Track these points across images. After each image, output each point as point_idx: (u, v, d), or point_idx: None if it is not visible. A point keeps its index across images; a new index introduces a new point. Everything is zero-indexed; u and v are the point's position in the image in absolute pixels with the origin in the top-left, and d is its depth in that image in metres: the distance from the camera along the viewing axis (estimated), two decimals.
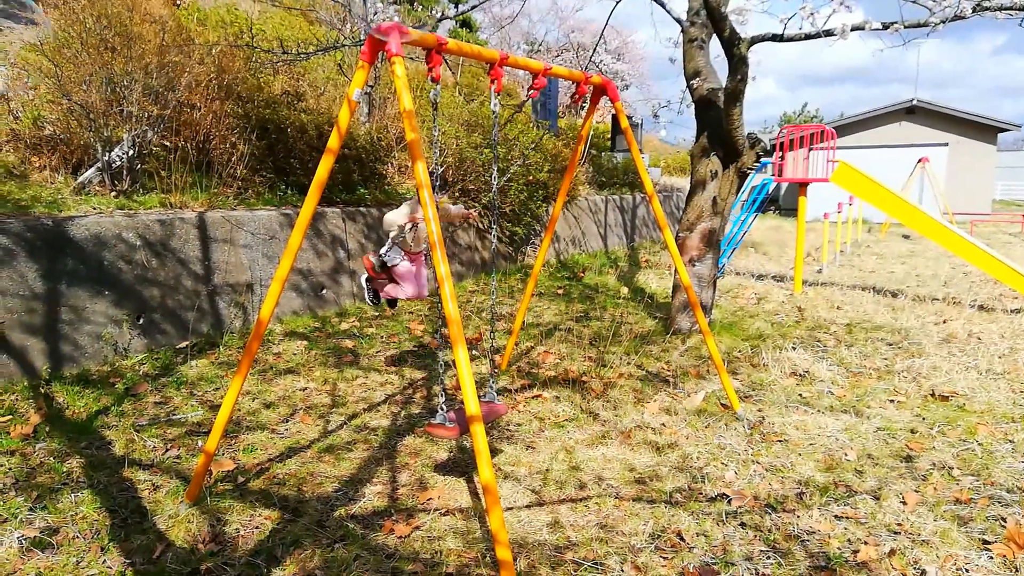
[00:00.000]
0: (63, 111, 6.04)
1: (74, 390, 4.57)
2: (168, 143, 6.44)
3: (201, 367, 5.27)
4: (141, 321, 5.34)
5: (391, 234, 4.46)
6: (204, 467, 3.43)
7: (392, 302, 4.86)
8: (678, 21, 7.13)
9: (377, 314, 7.19)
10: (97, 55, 5.87)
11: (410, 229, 4.41)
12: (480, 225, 9.69)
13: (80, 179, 5.88)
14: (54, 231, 4.88)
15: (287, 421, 4.56)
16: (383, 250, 4.51)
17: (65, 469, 3.68)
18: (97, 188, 5.93)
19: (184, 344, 5.50)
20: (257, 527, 3.27)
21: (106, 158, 5.91)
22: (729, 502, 3.57)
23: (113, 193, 5.92)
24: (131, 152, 6.04)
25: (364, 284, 4.75)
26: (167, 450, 4.01)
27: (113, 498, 3.45)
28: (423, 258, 4.71)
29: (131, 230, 5.37)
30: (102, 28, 6.02)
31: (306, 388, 5.14)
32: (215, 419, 3.42)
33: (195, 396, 4.82)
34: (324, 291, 7.08)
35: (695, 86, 6.91)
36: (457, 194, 9.41)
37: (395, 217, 4.32)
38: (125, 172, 6.03)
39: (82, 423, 4.22)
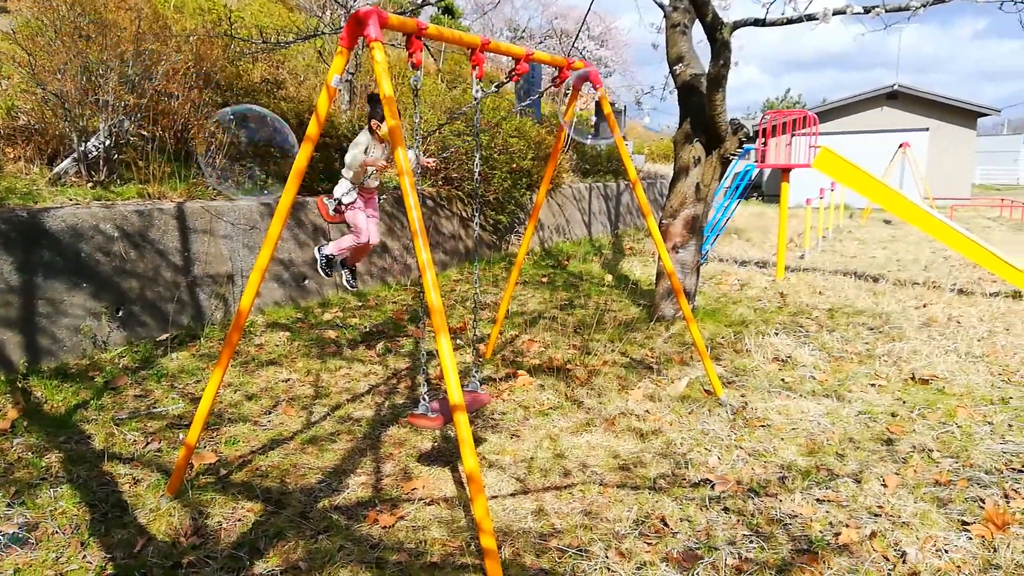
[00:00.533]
0: (37, 101, 5.93)
1: (52, 384, 4.51)
2: (145, 132, 6.34)
3: (182, 359, 5.22)
4: (120, 313, 5.27)
5: (350, 165, 4.35)
6: (185, 460, 3.40)
7: (352, 271, 4.78)
8: (661, 6, 7.11)
9: (360, 303, 7.15)
10: (72, 43, 5.76)
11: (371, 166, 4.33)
12: (463, 213, 9.65)
13: (56, 170, 5.78)
14: (29, 223, 4.80)
15: (269, 413, 4.53)
16: (338, 188, 4.43)
17: (44, 464, 3.64)
18: (73, 179, 5.84)
19: (164, 336, 5.45)
20: (240, 520, 3.25)
21: (82, 148, 5.81)
22: (712, 487, 3.59)
23: (90, 184, 5.82)
24: (108, 142, 5.94)
25: (318, 254, 4.65)
26: (148, 443, 3.97)
27: (93, 493, 3.42)
28: (375, 199, 4.65)
29: (108, 221, 5.29)
30: (76, 16, 5.90)
31: (288, 379, 5.11)
32: (196, 411, 3.39)
33: (176, 389, 4.77)
34: (306, 281, 7.02)
35: (678, 72, 6.89)
36: (440, 182, 9.36)
37: (363, 141, 4.25)
38: (102, 162, 5.93)
39: (61, 417, 4.16)
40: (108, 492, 3.43)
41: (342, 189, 4.42)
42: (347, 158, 4.33)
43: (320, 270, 4.62)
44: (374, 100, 4.20)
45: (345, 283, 4.78)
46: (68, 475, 3.55)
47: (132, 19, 6.39)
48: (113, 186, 5.94)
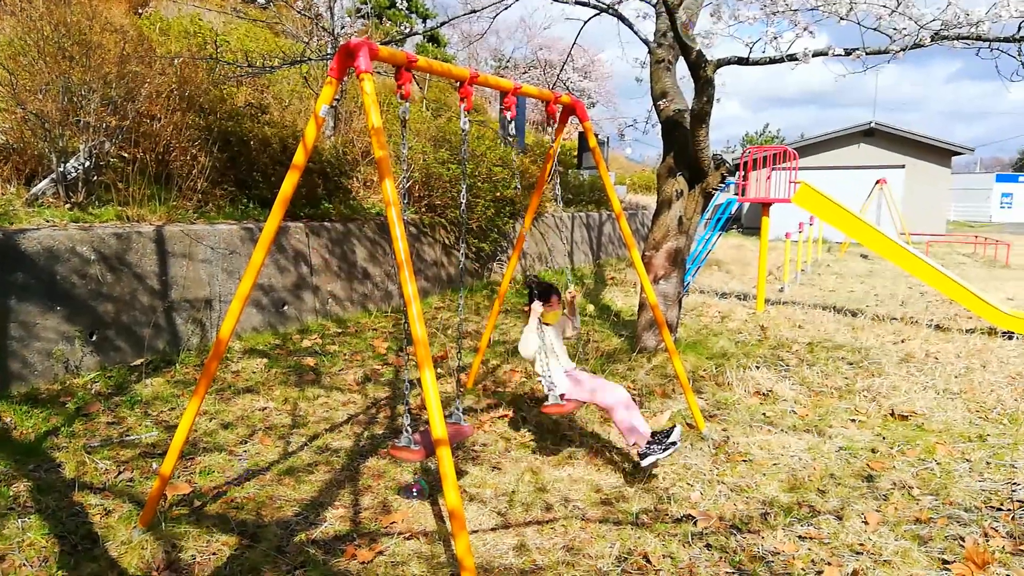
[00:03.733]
0: (17, 120, 5.87)
1: (22, 409, 4.39)
2: (126, 154, 6.29)
3: (156, 386, 5.12)
4: (94, 338, 5.17)
5: (538, 359, 4.05)
6: (159, 491, 3.31)
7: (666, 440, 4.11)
8: (646, 42, 7.21)
9: (340, 331, 7.09)
10: (55, 64, 5.72)
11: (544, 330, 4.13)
12: (446, 240, 9.64)
13: (33, 190, 5.70)
14: (4, 244, 4.71)
15: (246, 442, 4.44)
16: (546, 380, 4.13)
17: (11, 493, 3.53)
18: (51, 200, 5.76)
19: (139, 361, 5.35)
20: (214, 553, 3.17)
21: (61, 169, 5.74)
22: (695, 523, 3.56)
23: (68, 205, 5.75)
24: (87, 163, 5.88)
25: (645, 463, 3.90)
26: (120, 473, 3.87)
27: (63, 523, 3.31)
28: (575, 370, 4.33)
29: (86, 244, 5.21)
30: (60, 36, 5.87)
31: (266, 408, 5.03)
32: (171, 440, 3.31)
33: (150, 416, 4.67)
34: (286, 307, 6.95)
35: (662, 107, 6.98)
36: (424, 209, 9.36)
37: (530, 337, 4.04)
38: (81, 184, 5.86)
39: (30, 444, 4.05)
40: (78, 523, 3.33)
41: (546, 385, 4.15)
42: (522, 352, 4.15)
43: (661, 454, 4.09)
44: (536, 291, 4.18)
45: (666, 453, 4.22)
46: (37, 505, 3.44)
47: (117, 41, 6.37)
48: (91, 208, 5.86)
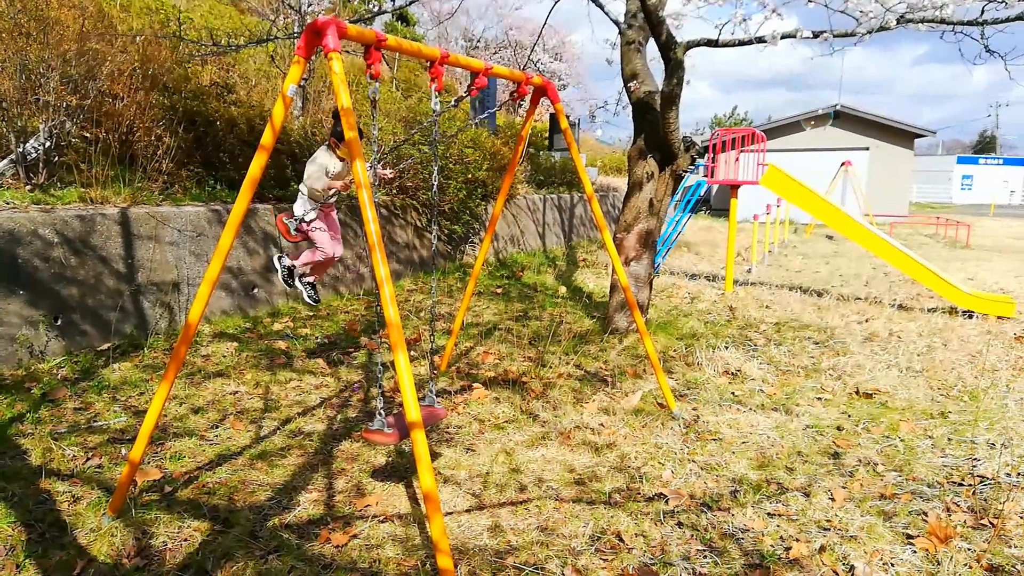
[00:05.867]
0: None
1: None
2: (88, 135, 6.13)
3: (124, 370, 5.04)
4: (59, 322, 5.07)
5: (313, 185, 4.20)
6: (128, 477, 3.27)
7: (313, 285, 4.63)
8: (616, 23, 7.20)
9: (312, 313, 7.03)
10: (11, 41, 5.54)
11: (332, 179, 4.18)
12: (418, 222, 9.58)
13: None
14: None
15: (217, 427, 4.40)
16: (298, 206, 4.26)
17: None
18: (10, 181, 5.60)
19: (106, 346, 5.25)
20: (186, 539, 3.14)
21: (20, 150, 5.58)
22: (666, 501, 3.62)
23: (28, 187, 5.59)
24: (48, 144, 5.72)
25: (278, 265, 4.51)
26: (88, 459, 3.81)
27: (30, 511, 3.26)
28: (334, 213, 4.55)
29: (48, 226, 5.09)
30: (16, 12, 5.68)
31: (237, 392, 4.98)
32: (140, 426, 3.27)
33: (118, 401, 4.60)
34: (255, 290, 6.87)
35: (632, 88, 6.98)
36: (395, 191, 9.29)
37: (326, 161, 4.07)
38: (41, 165, 5.71)
39: None
40: (46, 511, 3.28)
41: (302, 208, 4.26)
42: (307, 177, 4.16)
43: (283, 281, 4.48)
44: (338, 117, 4.07)
45: (307, 299, 4.64)
46: (3, 493, 3.38)
47: (76, 17, 6.19)
48: (53, 190, 5.71)
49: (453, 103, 4.15)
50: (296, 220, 4.20)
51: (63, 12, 6.10)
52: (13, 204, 5.23)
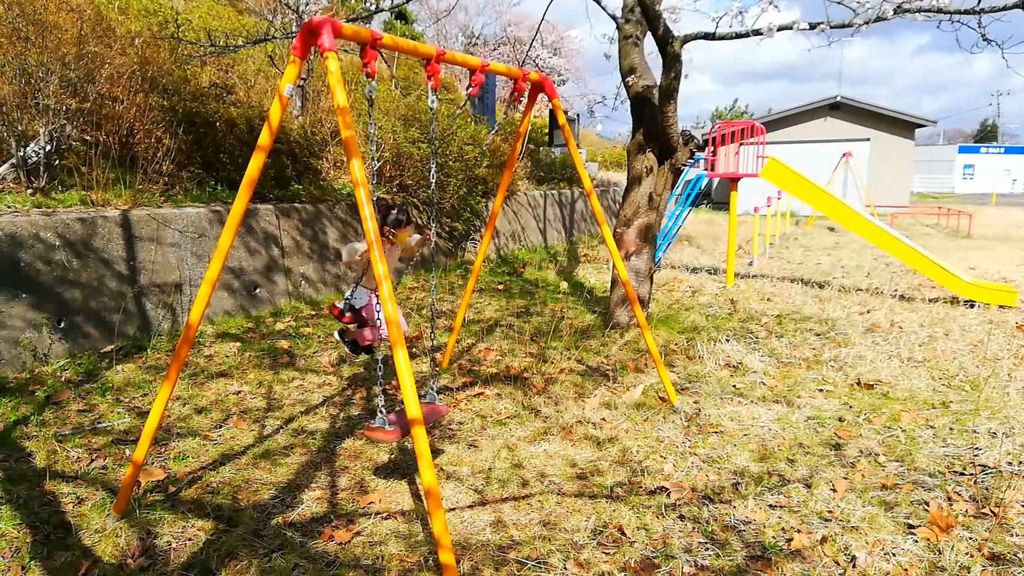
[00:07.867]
0: None
1: None
2: (88, 137, 6.15)
3: (128, 372, 5.07)
4: (62, 325, 5.09)
5: (353, 266, 4.02)
6: (132, 477, 3.29)
7: (368, 349, 4.30)
8: (613, 18, 7.19)
9: (314, 312, 7.05)
10: (10, 45, 5.56)
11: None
12: (418, 220, 9.59)
13: None
14: None
15: (220, 427, 4.42)
16: (349, 292, 4.08)
17: None
18: (11, 185, 5.62)
19: (109, 348, 5.28)
20: (190, 539, 3.16)
21: (20, 154, 5.60)
22: (668, 495, 3.63)
23: (29, 191, 5.61)
24: (48, 147, 5.74)
25: (339, 339, 4.28)
26: (92, 460, 3.83)
27: (35, 513, 3.28)
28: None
29: (49, 229, 5.11)
30: (14, 16, 5.70)
31: (240, 391, 5.00)
32: (143, 426, 3.28)
33: (122, 403, 4.62)
34: (258, 290, 6.89)
35: (631, 83, 6.98)
36: (395, 189, 9.29)
37: (360, 245, 3.89)
38: (42, 168, 5.72)
39: None
40: (51, 512, 3.30)
41: (351, 292, 4.03)
42: (345, 256, 3.95)
43: (347, 351, 4.22)
44: (387, 210, 3.87)
45: (346, 350, 4.32)
46: (7, 495, 3.41)
47: (74, 21, 6.20)
48: (54, 193, 5.74)
49: (458, 112, 4.12)
50: (347, 305, 3.99)
51: (61, 16, 6.11)
52: (15, 208, 5.25)
